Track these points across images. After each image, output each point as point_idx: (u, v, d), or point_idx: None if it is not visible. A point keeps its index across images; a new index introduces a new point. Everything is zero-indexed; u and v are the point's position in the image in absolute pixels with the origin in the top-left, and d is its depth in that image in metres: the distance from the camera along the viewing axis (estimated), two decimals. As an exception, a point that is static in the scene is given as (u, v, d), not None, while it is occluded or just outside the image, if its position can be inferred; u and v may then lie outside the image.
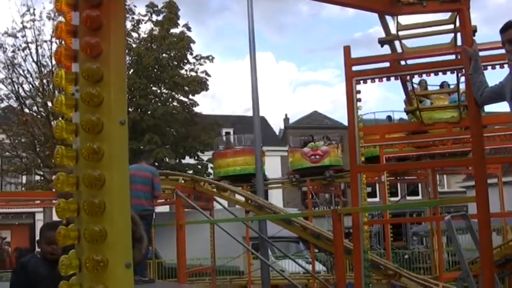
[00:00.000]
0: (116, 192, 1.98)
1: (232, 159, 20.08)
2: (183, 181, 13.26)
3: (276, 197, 37.10)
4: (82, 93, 2.00)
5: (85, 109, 2.00)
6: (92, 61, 2.00)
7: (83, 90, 2.00)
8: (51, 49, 26.05)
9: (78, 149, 2.01)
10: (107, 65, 2.00)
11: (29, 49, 26.60)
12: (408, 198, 37.74)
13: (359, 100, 7.11)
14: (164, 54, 29.27)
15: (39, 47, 26.53)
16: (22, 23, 26.44)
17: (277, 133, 51.53)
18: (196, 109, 30.28)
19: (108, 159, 1.98)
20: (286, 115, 51.17)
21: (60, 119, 2.06)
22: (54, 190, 3.34)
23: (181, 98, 29.46)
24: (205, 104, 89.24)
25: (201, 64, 29.75)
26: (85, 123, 1.97)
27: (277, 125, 56.86)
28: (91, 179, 1.96)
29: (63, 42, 2.09)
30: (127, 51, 24.78)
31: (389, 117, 20.22)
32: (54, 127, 2.04)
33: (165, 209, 21.93)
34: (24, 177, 30.52)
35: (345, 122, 7.49)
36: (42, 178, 27.06)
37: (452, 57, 7.23)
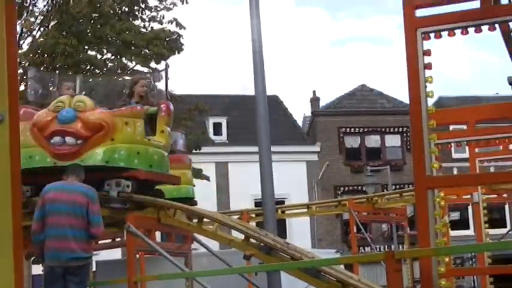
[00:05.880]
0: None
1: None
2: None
3: (300, 231, 26.91)
4: None
5: None
6: None
7: None
8: None
9: None
10: None
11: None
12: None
13: (427, 67, 5.20)
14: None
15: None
16: None
17: (300, 123, 35.81)
18: (163, 85, 20.53)
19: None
20: (314, 93, 34.00)
21: None
22: None
23: (138, 67, 19.14)
24: (178, 77, 57.39)
25: (167, 9, 19.68)
26: None
27: (299, 110, 44.58)
28: None
29: None
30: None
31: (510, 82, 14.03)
32: None
33: (114, 254, 15.75)
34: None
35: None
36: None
37: None
